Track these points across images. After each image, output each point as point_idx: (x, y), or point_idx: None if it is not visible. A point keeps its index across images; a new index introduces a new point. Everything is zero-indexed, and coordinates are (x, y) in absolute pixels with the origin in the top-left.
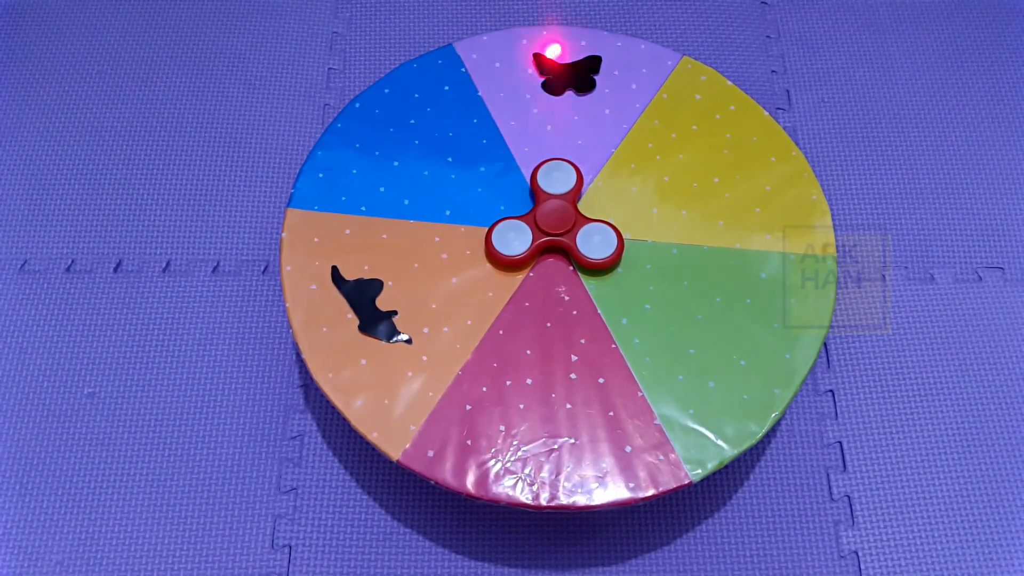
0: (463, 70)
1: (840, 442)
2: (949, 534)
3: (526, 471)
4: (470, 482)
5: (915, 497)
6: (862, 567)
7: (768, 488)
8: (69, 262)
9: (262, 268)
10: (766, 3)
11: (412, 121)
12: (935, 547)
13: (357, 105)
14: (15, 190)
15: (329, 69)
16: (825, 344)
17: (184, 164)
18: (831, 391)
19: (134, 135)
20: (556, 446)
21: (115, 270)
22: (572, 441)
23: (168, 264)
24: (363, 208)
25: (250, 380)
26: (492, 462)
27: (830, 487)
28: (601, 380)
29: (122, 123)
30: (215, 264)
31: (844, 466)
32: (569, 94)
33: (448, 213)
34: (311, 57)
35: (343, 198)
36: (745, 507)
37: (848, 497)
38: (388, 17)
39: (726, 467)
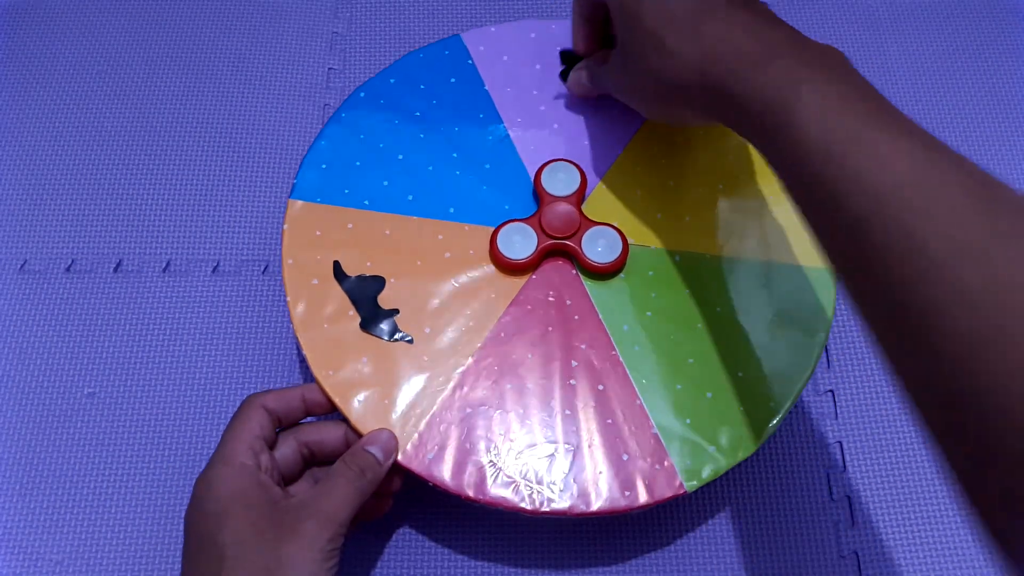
0: (470, 62)
1: (840, 442)
2: (949, 534)
3: (524, 476)
4: (468, 485)
5: (915, 497)
6: (862, 567)
7: (768, 488)
8: (69, 262)
9: (262, 268)
10: (766, 3)
11: (417, 113)
12: (935, 547)
13: (362, 94)
14: (15, 190)
15: (329, 69)
16: (825, 344)
17: (184, 164)
18: (831, 391)
19: (134, 135)
20: (554, 451)
21: (115, 270)
22: (570, 447)
23: (168, 264)
24: (366, 202)
25: (250, 380)
26: (490, 465)
27: (830, 487)
28: (600, 387)
29: (122, 123)
30: (215, 264)
31: (844, 466)
32: None
33: (452, 211)
34: (311, 57)
35: (346, 191)
36: (745, 507)
37: (848, 497)
38: (388, 17)
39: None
